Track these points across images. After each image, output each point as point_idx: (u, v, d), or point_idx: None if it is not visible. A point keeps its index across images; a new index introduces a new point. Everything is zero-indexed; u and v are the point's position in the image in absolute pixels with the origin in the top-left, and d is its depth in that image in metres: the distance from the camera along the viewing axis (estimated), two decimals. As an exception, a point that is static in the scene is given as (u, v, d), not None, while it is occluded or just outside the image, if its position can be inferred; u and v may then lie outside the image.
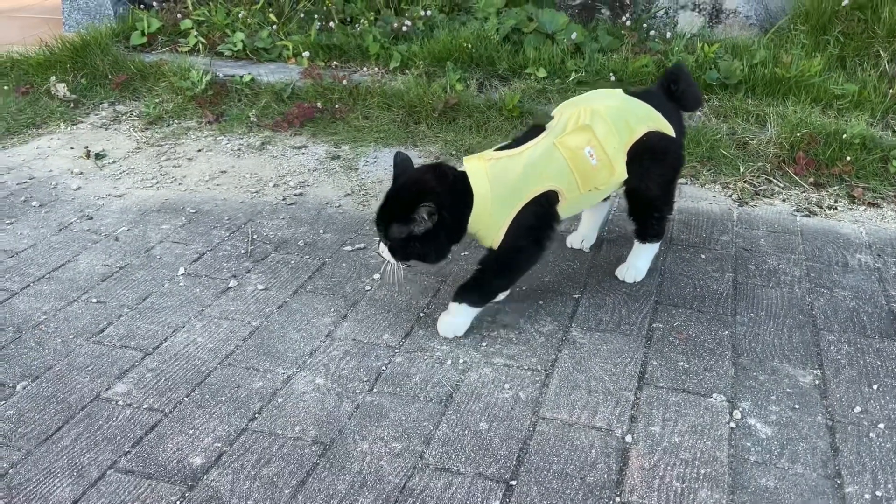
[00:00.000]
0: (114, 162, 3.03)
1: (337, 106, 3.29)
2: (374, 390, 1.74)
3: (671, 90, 2.06)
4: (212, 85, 3.46)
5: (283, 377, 1.80)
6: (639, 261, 2.16)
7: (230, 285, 2.18)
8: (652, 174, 1.99)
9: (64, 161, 3.04)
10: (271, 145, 3.14)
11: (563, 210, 1.92)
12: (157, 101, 3.46)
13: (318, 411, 1.68)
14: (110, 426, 1.65)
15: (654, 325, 1.95)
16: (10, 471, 1.53)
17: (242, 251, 2.37)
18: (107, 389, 1.77)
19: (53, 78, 3.54)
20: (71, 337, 1.96)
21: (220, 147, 3.14)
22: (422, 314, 2.02)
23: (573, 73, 3.24)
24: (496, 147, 1.94)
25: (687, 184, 2.75)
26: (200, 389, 1.76)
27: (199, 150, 3.11)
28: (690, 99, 2.13)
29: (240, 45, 3.70)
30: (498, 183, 1.82)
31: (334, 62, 3.55)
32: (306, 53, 3.54)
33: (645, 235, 2.13)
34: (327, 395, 1.73)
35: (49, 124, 3.36)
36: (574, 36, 3.36)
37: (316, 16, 3.82)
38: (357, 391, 1.74)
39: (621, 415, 1.64)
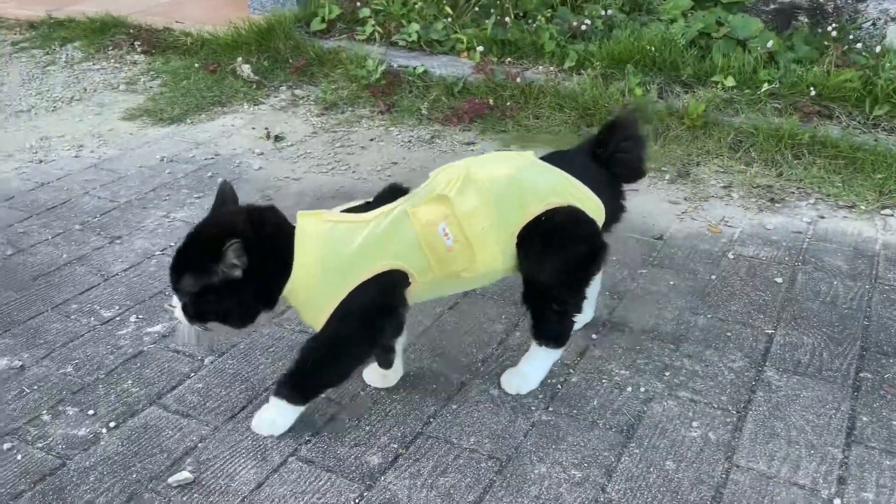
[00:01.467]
0: (291, 145, 3.13)
1: (508, 104, 3.23)
2: (550, 409, 1.68)
3: (597, 154, 1.66)
4: (385, 74, 3.50)
5: (457, 382, 1.77)
6: (527, 366, 1.74)
7: (403, 280, 2.19)
8: (547, 262, 1.57)
9: (246, 140, 3.17)
10: (440, 139, 3.14)
11: (416, 295, 1.58)
12: (333, 87, 3.54)
13: (492, 424, 1.64)
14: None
15: (861, 375, 1.77)
16: (199, 444, 1.60)
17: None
18: (286, 373, 1.81)
19: (240, 58, 3.71)
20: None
21: (391, 138, 3.17)
22: (594, 335, 1.93)
23: (765, 84, 3.01)
24: (344, 207, 1.59)
25: None
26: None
27: (372, 140, 3.16)
28: (627, 166, 1.68)
29: (414, 36, 3.72)
30: (332, 253, 1.48)
31: (507, 58, 3.50)
32: (480, 48, 3.50)
33: (539, 335, 1.70)
34: (501, 409, 1.68)
35: (233, 103, 3.52)
36: (770, 44, 3.12)
37: (491, 10, 3.78)
38: (532, 408, 1.68)
39: (828, 474, 1.49)
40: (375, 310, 1.52)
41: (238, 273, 1.42)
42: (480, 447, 1.58)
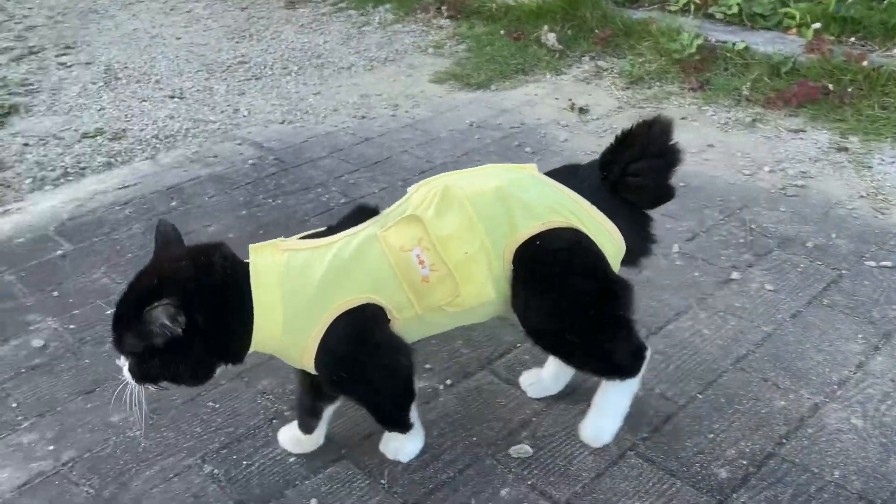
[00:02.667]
0: (597, 118, 3.04)
1: (849, 89, 2.86)
2: (932, 453, 1.45)
3: (604, 178, 1.34)
4: (700, 49, 3.26)
5: (809, 404, 1.58)
6: (601, 413, 1.49)
7: (732, 277, 2.01)
8: (540, 299, 1.30)
9: (550, 111, 3.14)
10: (762, 124, 2.86)
11: (405, 333, 1.32)
12: (640, 60, 3.38)
13: (859, 459, 1.44)
14: (624, 403, 1.61)
15: None
16: (534, 419, 1.58)
17: (741, 240, 2.17)
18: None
19: (546, 27, 3.68)
20: (574, 294, 1.98)
21: (705, 118, 2.95)
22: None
23: None
24: (302, 234, 1.36)
25: None
26: (714, 389, 1.64)
27: (683, 118, 2.97)
28: (641, 193, 1.35)
29: (735, 9, 3.43)
30: (293, 288, 1.26)
31: (849, 38, 3.10)
32: (816, 25, 3.14)
33: (592, 371, 1.49)
34: (868, 443, 1.48)
35: (535, 72, 3.50)
36: None
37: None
38: (908, 449, 1.46)
39: None
40: (359, 353, 1.29)
41: (178, 332, 1.20)
42: (847, 483, 1.39)
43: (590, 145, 2.81)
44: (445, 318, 1.33)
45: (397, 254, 1.26)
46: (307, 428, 1.47)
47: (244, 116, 3.24)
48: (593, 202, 1.31)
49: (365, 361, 1.29)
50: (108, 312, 1.70)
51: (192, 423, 1.62)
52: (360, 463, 1.49)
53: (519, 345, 1.80)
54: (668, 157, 1.34)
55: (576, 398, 1.62)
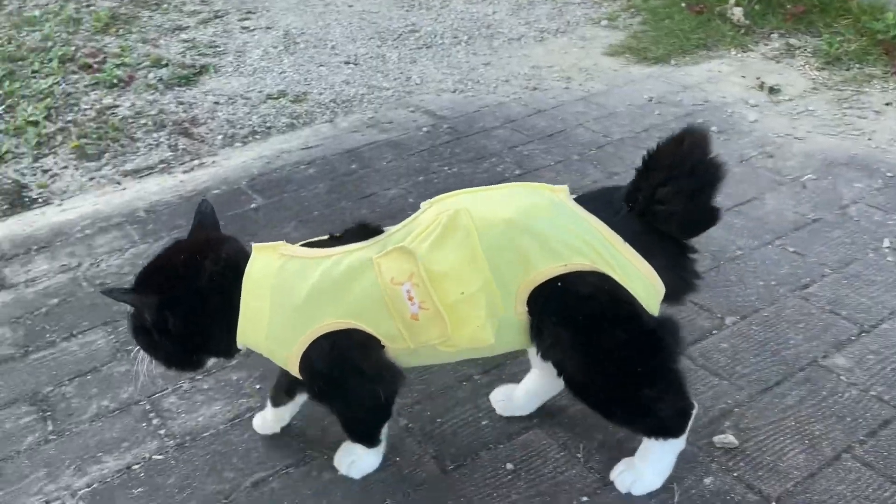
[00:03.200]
0: (790, 99, 2.85)
1: None
2: None
3: (631, 207, 1.17)
4: (909, 29, 2.98)
5: None
6: (641, 460, 1.33)
7: (955, 278, 1.84)
8: (568, 348, 1.17)
9: (736, 89, 2.97)
10: (983, 113, 2.59)
11: (402, 360, 1.24)
12: (837, 39, 3.14)
13: None
14: (836, 402, 1.51)
15: None
16: (736, 410, 1.51)
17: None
18: (823, 357, 1.63)
19: (732, 0, 3.48)
20: (772, 283, 1.87)
21: (915, 104, 2.71)
22: None
23: None
24: (306, 241, 1.29)
25: None
26: (939, 398, 1.50)
27: (888, 104, 2.73)
28: (675, 223, 1.17)
29: (953, -15, 3.11)
30: (281, 297, 1.20)
31: None
32: None
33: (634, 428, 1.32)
34: None
35: (719, 47, 3.33)
36: None
37: None
38: None
39: None
40: (344, 378, 1.24)
41: (149, 326, 1.25)
42: None
43: (782, 127, 2.64)
44: (446, 354, 1.24)
45: (388, 285, 1.16)
46: (275, 402, 1.47)
47: (416, 84, 3.29)
48: (627, 237, 1.16)
49: (344, 383, 1.26)
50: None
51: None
52: (552, 434, 1.48)
53: (714, 331, 1.72)
54: (703, 175, 1.16)
55: (779, 394, 1.53)
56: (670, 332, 1.20)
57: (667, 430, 1.28)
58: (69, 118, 3.06)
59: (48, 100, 3.17)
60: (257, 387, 1.66)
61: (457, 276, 1.14)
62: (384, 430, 1.39)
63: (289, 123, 3.00)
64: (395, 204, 2.38)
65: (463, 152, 2.67)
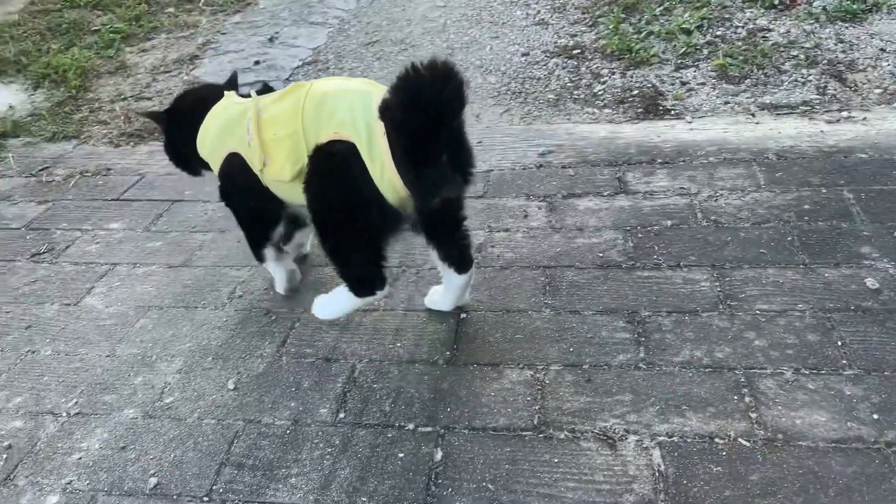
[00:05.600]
0: None
1: None
2: None
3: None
4: None
5: None
6: (331, 294, 1.68)
7: None
8: (309, 192, 1.51)
9: None
10: None
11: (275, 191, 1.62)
12: None
13: None
14: None
15: None
16: None
17: None
18: None
19: None
20: None
21: None
22: None
23: None
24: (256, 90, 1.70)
25: None
26: None
27: None
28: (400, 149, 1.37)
29: None
30: (215, 122, 1.69)
31: None
32: None
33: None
34: None
35: None
36: None
37: None
38: None
39: None
40: (234, 188, 1.69)
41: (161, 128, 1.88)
42: None
43: None
44: (280, 189, 1.60)
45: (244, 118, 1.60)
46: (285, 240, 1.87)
47: None
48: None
49: (231, 193, 1.72)
50: None
51: None
52: None
53: None
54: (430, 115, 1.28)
55: None
56: (384, 214, 1.44)
57: (350, 284, 1.59)
58: (718, 33, 2.95)
59: (704, 9, 3.09)
60: (874, 416, 1.37)
61: (275, 122, 1.53)
62: (281, 264, 1.84)
63: (975, 94, 2.39)
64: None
65: None
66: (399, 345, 1.67)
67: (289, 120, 1.49)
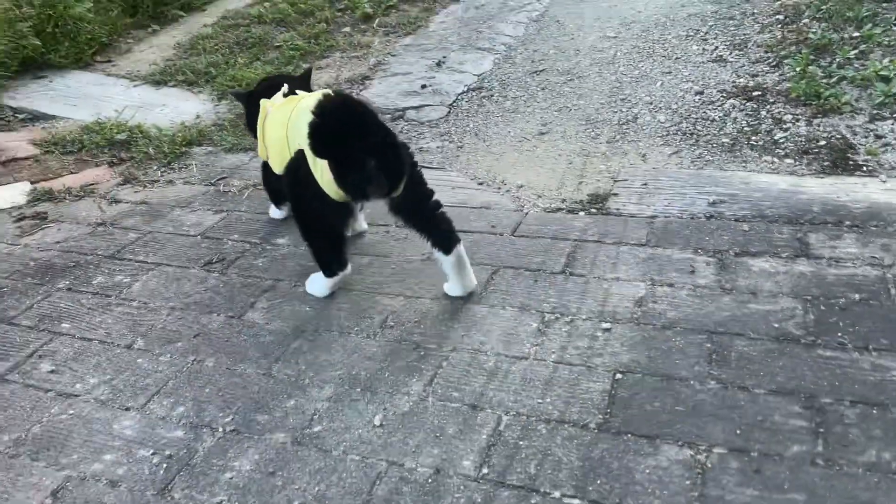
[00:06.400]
0: None
1: None
2: None
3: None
4: None
5: None
6: (313, 277, 2.10)
7: None
8: (286, 187, 2.03)
9: None
10: None
11: None
12: None
13: None
14: None
15: None
16: None
17: None
18: None
19: None
20: None
21: None
22: None
23: None
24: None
25: None
26: None
27: None
28: None
29: None
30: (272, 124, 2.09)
31: None
32: None
33: None
34: None
35: None
36: None
37: None
38: None
39: None
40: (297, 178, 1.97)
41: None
42: None
43: None
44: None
45: None
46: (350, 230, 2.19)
47: None
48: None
49: (297, 181, 1.95)
50: None
51: None
52: None
53: None
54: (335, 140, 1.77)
55: None
56: (332, 208, 1.87)
57: (319, 266, 2.03)
58: None
59: (908, 55, 2.82)
60: None
61: (273, 126, 2.03)
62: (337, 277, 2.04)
63: None
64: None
65: None
66: (548, 400, 1.60)
67: (280, 126, 1.97)
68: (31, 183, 2.83)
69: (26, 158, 3.03)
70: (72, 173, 2.91)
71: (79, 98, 3.64)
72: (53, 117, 3.45)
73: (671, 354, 1.68)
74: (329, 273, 2.00)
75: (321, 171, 1.80)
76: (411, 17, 4.46)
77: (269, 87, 2.17)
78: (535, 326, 1.84)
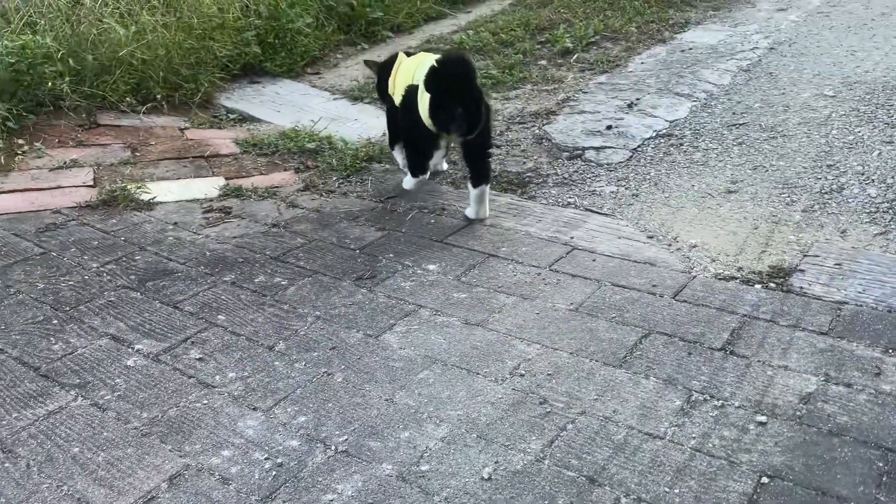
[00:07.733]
0: None
1: None
2: None
3: None
4: None
5: None
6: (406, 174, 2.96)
7: None
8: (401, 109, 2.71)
9: None
10: None
11: None
12: None
13: None
14: None
15: None
16: None
17: None
18: None
19: None
20: None
21: None
22: None
23: None
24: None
25: None
26: None
27: None
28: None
29: None
30: (402, 70, 2.73)
31: None
32: None
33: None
34: None
35: None
36: None
37: None
38: None
39: None
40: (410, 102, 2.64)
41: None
42: None
43: None
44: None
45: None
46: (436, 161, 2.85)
47: None
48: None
49: (408, 107, 2.61)
50: None
51: None
52: None
53: None
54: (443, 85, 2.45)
55: None
56: (426, 131, 2.55)
57: (409, 167, 2.79)
58: None
59: None
60: None
61: (403, 70, 2.68)
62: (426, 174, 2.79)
63: None
64: None
65: None
66: (676, 491, 1.43)
67: (408, 70, 2.62)
68: (226, 178, 3.07)
69: (227, 155, 3.30)
70: (261, 174, 3.12)
71: (284, 105, 3.92)
72: (259, 120, 3.73)
73: (833, 466, 1.45)
74: (413, 175, 2.75)
75: (423, 102, 2.48)
76: (611, 56, 4.35)
77: (392, 60, 2.83)
78: (679, 404, 1.67)
